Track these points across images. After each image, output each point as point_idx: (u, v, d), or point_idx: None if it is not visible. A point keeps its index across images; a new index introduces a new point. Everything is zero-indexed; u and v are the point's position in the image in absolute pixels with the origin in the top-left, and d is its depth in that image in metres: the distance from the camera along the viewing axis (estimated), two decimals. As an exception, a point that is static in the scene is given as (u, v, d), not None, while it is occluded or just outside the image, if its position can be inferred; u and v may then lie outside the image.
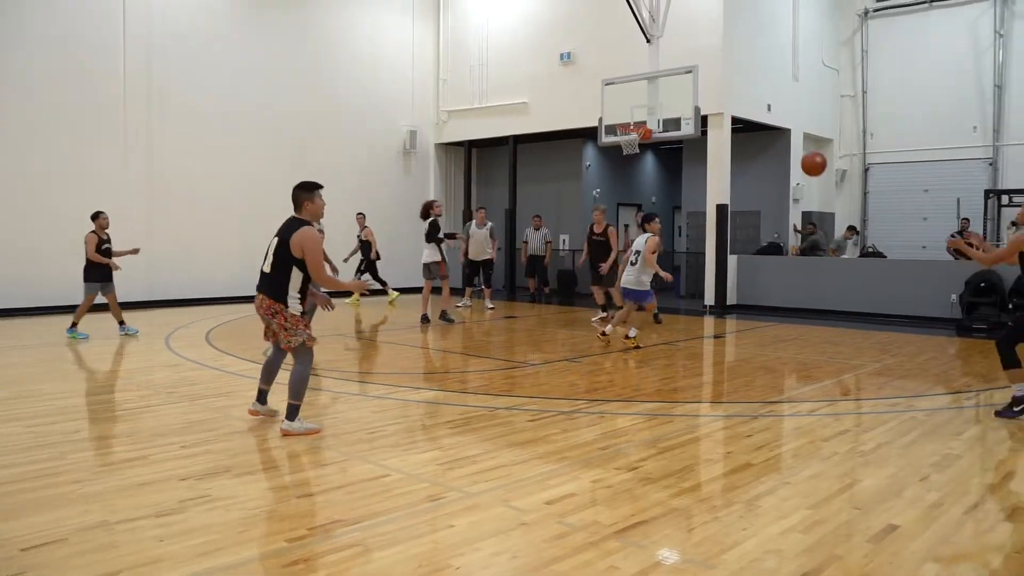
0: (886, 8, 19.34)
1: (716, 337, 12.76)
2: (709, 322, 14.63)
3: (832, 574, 3.57)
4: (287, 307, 6.04)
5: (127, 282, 15.65)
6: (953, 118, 18.23)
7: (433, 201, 14.17)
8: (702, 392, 8.35)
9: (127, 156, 15.74)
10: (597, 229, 13.32)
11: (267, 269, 6.11)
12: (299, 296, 6.09)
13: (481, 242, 16.17)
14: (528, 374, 8.95)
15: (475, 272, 16.62)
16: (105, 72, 15.37)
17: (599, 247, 13.27)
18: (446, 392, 7.99)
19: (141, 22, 15.79)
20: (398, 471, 5.12)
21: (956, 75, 18.21)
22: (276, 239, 6.10)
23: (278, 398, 6.64)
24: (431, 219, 13.66)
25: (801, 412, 7.19)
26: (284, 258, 6.00)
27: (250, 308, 15.21)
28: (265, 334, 6.30)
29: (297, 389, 6.07)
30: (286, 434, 6.00)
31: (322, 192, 6.30)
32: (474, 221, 16.46)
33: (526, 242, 18.70)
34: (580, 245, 20.28)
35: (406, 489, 4.76)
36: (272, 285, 6.04)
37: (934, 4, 18.66)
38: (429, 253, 13.66)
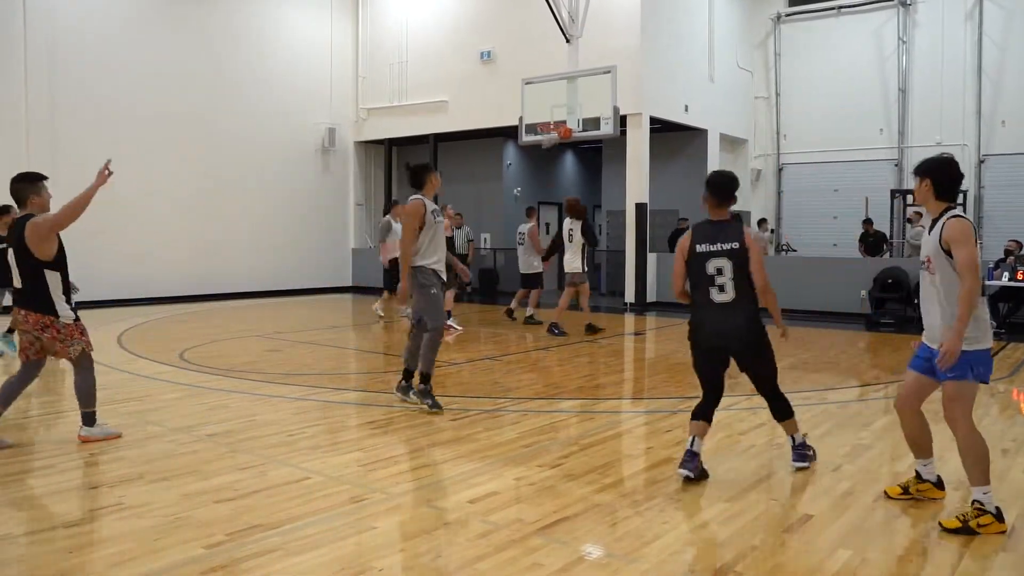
0: (797, 13, 19.90)
1: (636, 334, 12.94)
2: (629, 319, 14.82)
3: (749, 564, 3.65)
4: (58, 317, 5.51)
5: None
6: (861, 120, 18.87)
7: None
8: (623, 389, 8.45)
9: (29, 156, 15.11)
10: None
11: (19, 284, 5.56)
12: (65, 297, 5.60)
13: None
14: (450, 373, 8.92)
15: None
16: (4, 70, 14.76)
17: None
18: (368, 392, 7.91)
19: (42, 19, 15.19)
20: (319, 473, 5.05)
21: (863, 79, 18.85)
22: (11, 249, 5.56)
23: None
24: (584, 219, 12.18)
25: (719, 407, 7.33)
26: (30, 265, 5.48)
27: (164, 310, 14.84)
28: (24, 352, 5.68)
29: (86, 397, 5.72)
30: (85, 440, 5.70)
31: (47, 183, 5.84)
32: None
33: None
34: (501, 244, 20.42)
35: (327, 491, 4.70)
36: (32, 298, 5.49)
37: (843, 10, 19.29)
38: (573, 259, 12.10)
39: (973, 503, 4.20)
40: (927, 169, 4.44)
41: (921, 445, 4.61)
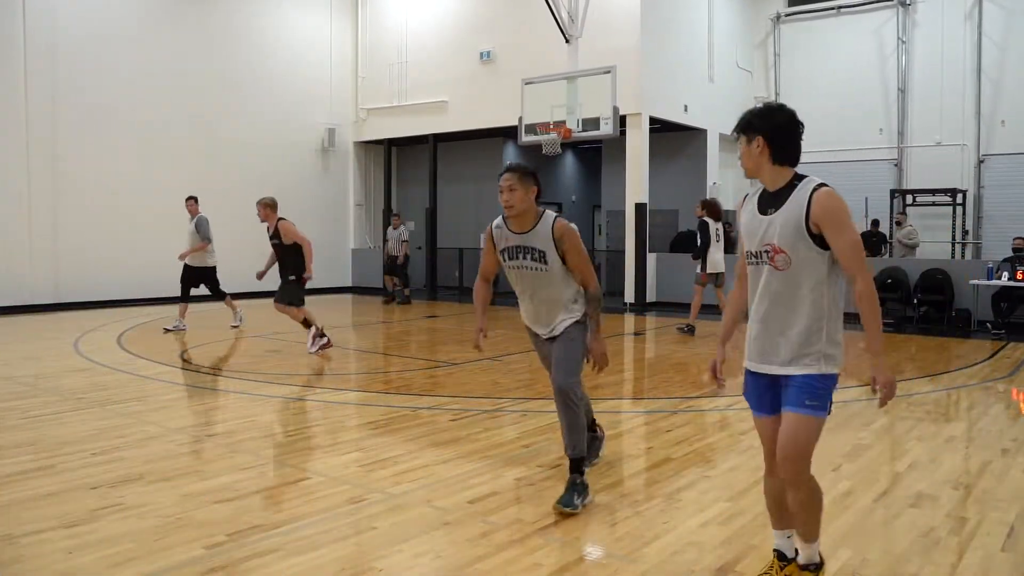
0: (797, 13, 19.90)
1: (636, 334, 12.94)
2: (629, 319, 14.82)
3: (749, 564, 3.65)
4: None
5: (33, 283, 15.08)
6: (860, 120, 18.87)
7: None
8: (623, 389, 8.45)
9: (29, 156, 15.11)
10: (269, 229, 10.18)
11: None
12: None
13: (189, 241, 12.62)
14: (450, 373, 8.92)
15: (194, 280, 12.59)
16: (4, 70, 14.75)
17: (282, 252, 10.17)
18: (367, 393, 7.91)
19: (42, 19, 15.17)
20: (319, 474, 5.05)
21: (863, 79, 18.84)
22: None
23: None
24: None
25: (719, 407, 7.34)
26: None
27: (164, 310, 14.79)
28: None
29: None
30: None
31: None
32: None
33: (386, 241, 18.17)
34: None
35: (327, 492, 4.69)
36: None
37: (842, 10, 19.28)
38: (720, 259, 12.28)
39: (807, 568, 3.31)
40: (759, 123, 3.21)
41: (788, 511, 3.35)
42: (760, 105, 3.31)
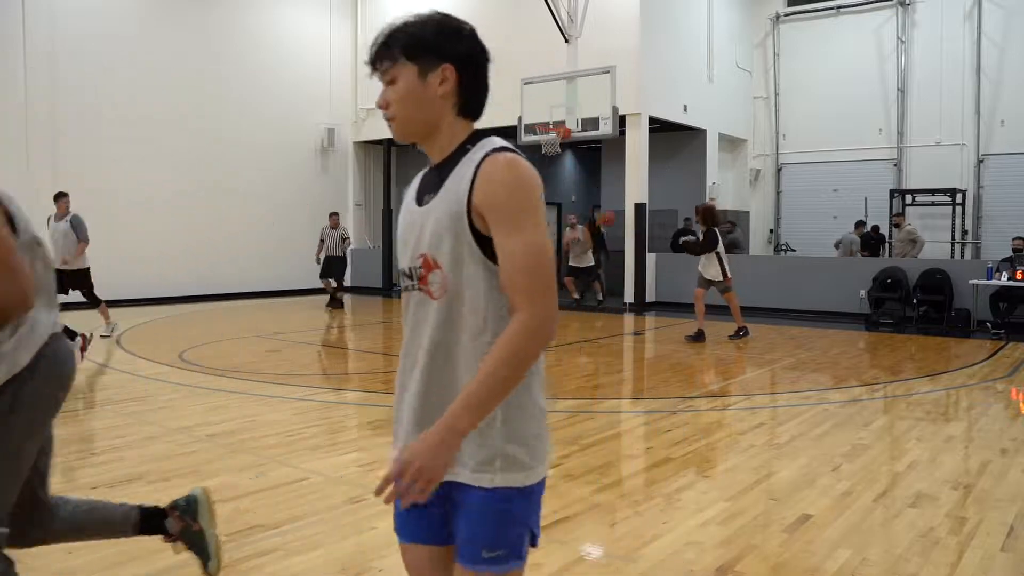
0: (796, 12, 19.90)
1: (635, 334, 12.95)
2: (629, 319, 14.83)
3: (749, 564, 3.65)
4: None
5: (32, 284, 15.06)
6: (860, 120, 18.88)
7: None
8: (622, 389, 8.45)
9: (29, 156, 15.11)
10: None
11: None
12: None
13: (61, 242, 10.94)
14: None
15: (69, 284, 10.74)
16: (4, 70, 14.75)
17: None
18: (367, 393, 7.91)
19: (42, 19, 15.18)
20: (318, 474, 5.05)
21: (862, 79, 18.86)
22: None
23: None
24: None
25: (719, 407, 7.34)
26: None
27: (164, 310, 14.76)
28: None
29: None
30: None
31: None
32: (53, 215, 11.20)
33: (322, 241, 16.81)
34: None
35: (327, 492, 4.69)
36: None
37: (841, 10, 19.29)
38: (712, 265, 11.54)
39: None
40: (444, 43, 1.92)
41: None
42: (416, 17, 1.97)
